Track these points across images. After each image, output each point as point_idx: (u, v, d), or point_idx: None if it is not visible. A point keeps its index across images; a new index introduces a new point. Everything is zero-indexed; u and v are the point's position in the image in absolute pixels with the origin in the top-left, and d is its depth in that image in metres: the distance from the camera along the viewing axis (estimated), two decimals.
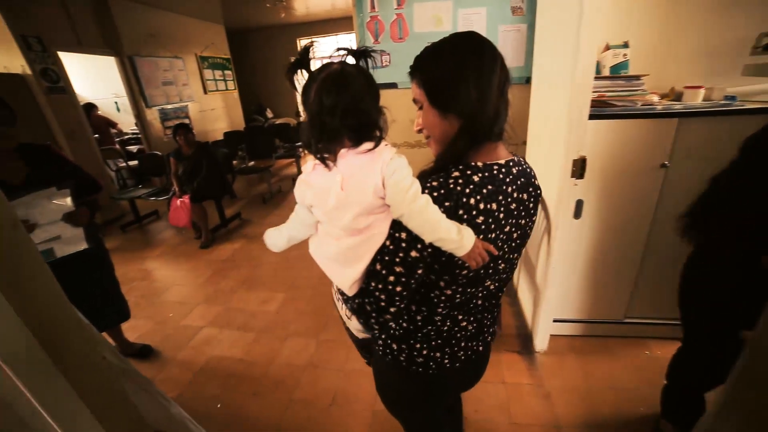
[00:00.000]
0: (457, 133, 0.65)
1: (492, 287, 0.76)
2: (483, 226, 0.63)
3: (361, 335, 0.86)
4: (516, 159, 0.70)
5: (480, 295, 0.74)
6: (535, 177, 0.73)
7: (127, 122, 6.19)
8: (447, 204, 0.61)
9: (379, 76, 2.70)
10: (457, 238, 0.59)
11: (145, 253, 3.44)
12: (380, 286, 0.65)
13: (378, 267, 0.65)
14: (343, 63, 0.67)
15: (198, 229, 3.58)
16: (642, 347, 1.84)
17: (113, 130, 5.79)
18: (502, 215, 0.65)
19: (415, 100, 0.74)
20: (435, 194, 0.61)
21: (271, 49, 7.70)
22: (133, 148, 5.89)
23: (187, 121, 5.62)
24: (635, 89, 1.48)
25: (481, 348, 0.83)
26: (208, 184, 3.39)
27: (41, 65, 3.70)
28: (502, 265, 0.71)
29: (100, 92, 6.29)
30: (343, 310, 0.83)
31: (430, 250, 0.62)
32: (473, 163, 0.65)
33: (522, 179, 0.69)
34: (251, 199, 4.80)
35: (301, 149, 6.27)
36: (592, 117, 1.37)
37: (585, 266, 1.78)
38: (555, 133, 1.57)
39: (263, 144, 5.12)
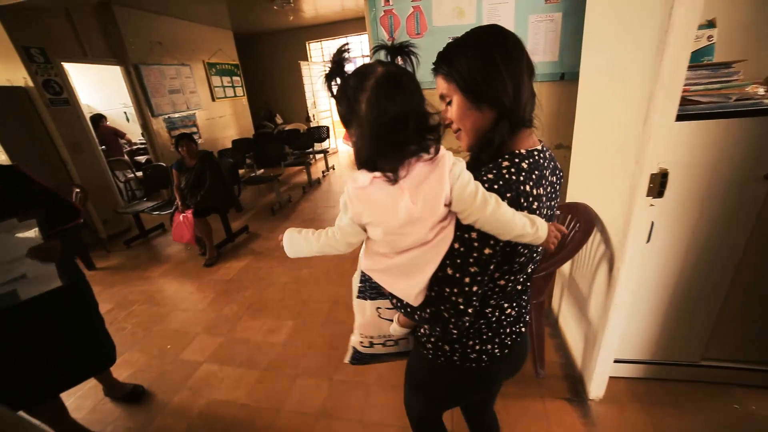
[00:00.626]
0: (495, 122, 0.65)
1: (530, 269, 0.75)
2: (537, 212, 0.64)
3: (402, 347, 0.93)
4: (543, 146, 0.70)
5: (517, 281, 0.74)
6: (556, 164, 0.73)
7: (136, 132, 6.09)
8: (509, 195, 0.60)
9: None
10: (532, 231, 0.60)
11: (148, 271, 3.24)
12: (456, 290, 0.63)
13: (450, 271, 0.63)
14: (385, 64, 0.63)
15: (203, 245, 3.37)
16: (728, 398, 1.50)
17: (122, 141, 5.68)
18: (544, 199, 0.67)
19: (442, 96, 0.73)
20: (495, 187, 0.61)
21: (280, 54, 7.54)
22: (142, 159, 5.78)
23: (194, 129, 5.47)
24: (727, 80, 1.16)
25: (523, 329, 0.83)
26: (211, 197, 3.18)
27: (44, 77, 3.57)
28: (526, 254, 0.69)
29: (110, 103, 6.22)
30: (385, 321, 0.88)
31: (501, 244, 0.62)
32: (517, 151, 0.65)
33: (552, 163, 0.71)
34: (259, 210, 4.58)
35: (311, 156, 6.07)
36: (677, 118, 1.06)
37: (653, 297, 1.45)
38: (619, 139, 1.27)
39: (272, 151, 4.91)
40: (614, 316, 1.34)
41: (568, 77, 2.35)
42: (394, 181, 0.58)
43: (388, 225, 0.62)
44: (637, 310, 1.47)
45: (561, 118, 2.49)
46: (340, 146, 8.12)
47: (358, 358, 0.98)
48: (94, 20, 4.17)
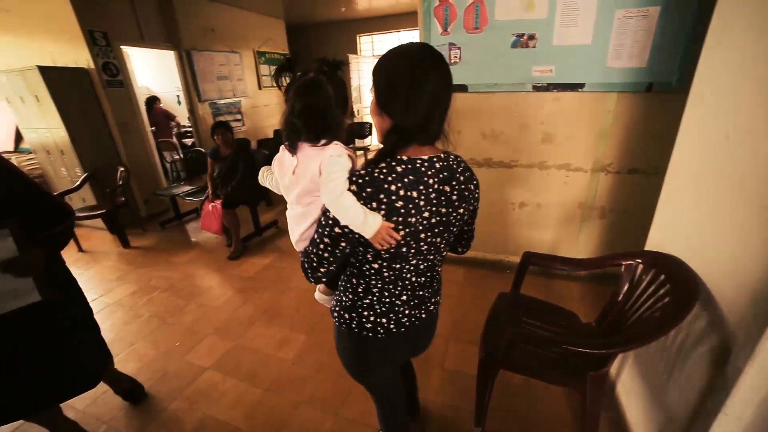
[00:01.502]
0: (388, 130, 0.76)
1: (421, 266, 0.87)
2: (403, 210, 0.74)
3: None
4: (442, 156, 0.80)
5: (409, 270, 0.85)
6: (462, 172, 0.82)
7: (185, 115, 6.29)
8: (369, 189, 0.72)
9: (453, 76, 2.16)
10: (359, 223, 0.72)
11: (175, 256, 3.24)
12: (314, 250, 0.80)
13: (315, 235, 0.81)
14: (318, 73, 0.86)
15: (231, 236, 3.31)
16: None
17: (172, 123, 5.88)
18: (422, 202, 0.76)
19: None
20: (360, 181, 0.73)
21: (329, 46, 7.46)
22: (189, 141, 5.95)
23: (239, 116, 5.52)
24: None
25: (424, 315, 0.95)
26: (242, 189, 3.10)
27: (103, 59, 3.68)
28: (425, 246, 0.82)
29: (166, 85, 6.46)
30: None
31: (347, 229, 0.74)
32: (399, 157, 0.75)
33: (445, 173, 0.79)
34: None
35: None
36: None
37: None
38: (759, 176, 0.91)
39: None
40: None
41: (656, 88, 1.94)
42: (292, 152, 0.87)
43: (282, 180, 0.92)
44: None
45: (640, 137, 2.08)
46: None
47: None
48: (153, 5, 4.27)
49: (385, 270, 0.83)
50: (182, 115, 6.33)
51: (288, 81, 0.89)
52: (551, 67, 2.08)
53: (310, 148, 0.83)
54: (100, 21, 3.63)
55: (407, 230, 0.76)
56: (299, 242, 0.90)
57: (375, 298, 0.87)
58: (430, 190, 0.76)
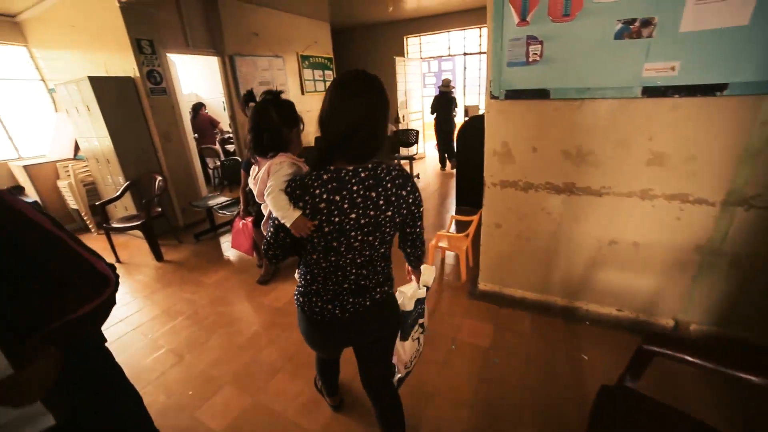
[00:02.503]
0: (320, 147, 0.94)
1: (359, 260, 0.99)
2: (326, 210, 0.90)
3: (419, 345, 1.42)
4: (370, 166, 0.93)
5: (347, 264, 0.99)
6: (392, 180, 0.94)
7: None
8: (297, 192, 0.91)
9: (522, 78, 1.66)
10: (281, 215, 0.92)
11: (205, 275, 3.05)
12: (268, 235, 1.01)
13: (269, 224, 1.00)
14: (268, 98, 1.31)
15: (262, 257, 3.06)
16: None
17: (215, 130, 5.89)
18: (346, 205, 0.91)
19: None
20: (293, 185, 0.93)
21: (375, 48, 7.15)
22: (232, 148, 5.92)
23: None
24: None
25: (368, 303, 1.06)
26: None
27: (148, 67, 3.63)
28: (357, 243, 0.96)
29: (212, 92, 6.53)
30: None
31: (279, 222, 0.94)
32: (329, 167, 0.91)
33: (370, 181, 0.92)
34: None
35: (395, 161, 5.51)
36: None
37: None
38: None
39: None
40: None
41: None
42: (254, 162, 1.40)
43: (251, 185, 1.33)
44: None
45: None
46: (429, 151, 7.36)
47: (402, 380, 1.42)
48: (199, 11, 4.20)
49: (323, 261, 0.98)
50: (226, 122, 6.36)
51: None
52: (674, 63, 1.52)
53: (263, 160, 1.23)
54: (147, 29, 3.58)
55: (332, 227, 0.92)
56: (264, 229, 1.20)
57: (320, 286, 1.02)
58: (355, 195, 0.91)
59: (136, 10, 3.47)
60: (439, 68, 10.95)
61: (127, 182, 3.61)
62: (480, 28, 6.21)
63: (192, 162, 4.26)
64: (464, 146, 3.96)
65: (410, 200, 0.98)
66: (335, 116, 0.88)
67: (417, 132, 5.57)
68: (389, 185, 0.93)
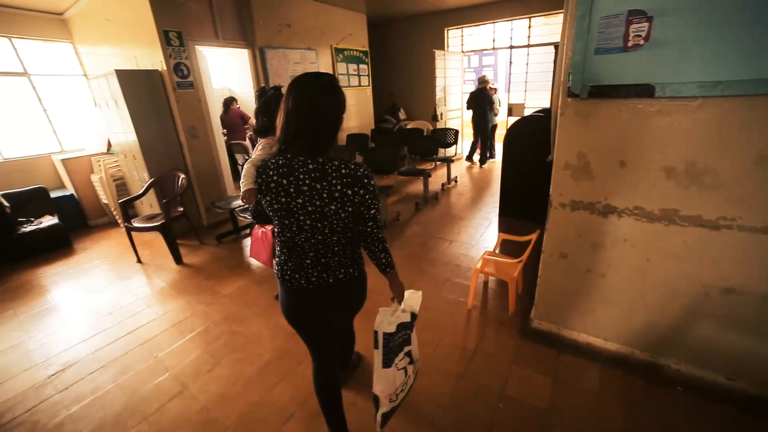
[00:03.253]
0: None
1: (312, 240, 1.08)
2: (274, 190, 1.02)
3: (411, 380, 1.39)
4: (320, 160, 1.00)
5: (303, 241, 1.09)
6: (338, 177, 0.99)
7: None
8: (260, 170, 1.05)
9: (616, 70, 1.22)
10: (241, 183, 1.11)
11: (222, 284, 2.83)
12: None
13: None
14: (275, 92, 1.57)
15: None
16: None
17: (246, 125, 5.74)
18: (292, 189, 1.01)
19: None
20: (259, 163, 1.07)
21: (413, 41, 6.72)
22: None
23: None
24: None
25: (331, 280, 1.14)
26: None
27: (175, 60, 3.47)
28: (307, 227, 1.06)
29: (246, 85, 6.39)
30: None
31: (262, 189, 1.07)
32: (287, 155, 1.02)
33: (317, 174, 0.99)
34: None
35: (433, 164, 5.12)
36: None
37: None
38: None
39: (385, 157, 4.10)
40: None
41: None
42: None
43: None
44: None
45: None
46: (467, 151, 6.79)
47: (388, 416, 1.31)
48: (230, 2, 4.00)
49: (281, 235, 1.12)
50: None
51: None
52: None
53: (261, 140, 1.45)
54: (175, 20, 3.41)
55: (280, 206, 1.04)
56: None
57: (286, 257, 1.14)
58: (301, 183, 1.00)
59: (166, 1, 3.30)
60: (479, 63, 10.34)
61: (151, 179, 3.49)
62: (530, 17, 5.62)
63: (218, 160, 4.09)
64: (511, 150, 3.49)
65: (356, 200, 1.02)
66: (286, 114, 0.98)
67: (456, 132, 5.12)
68: (334, 181, 0.99)
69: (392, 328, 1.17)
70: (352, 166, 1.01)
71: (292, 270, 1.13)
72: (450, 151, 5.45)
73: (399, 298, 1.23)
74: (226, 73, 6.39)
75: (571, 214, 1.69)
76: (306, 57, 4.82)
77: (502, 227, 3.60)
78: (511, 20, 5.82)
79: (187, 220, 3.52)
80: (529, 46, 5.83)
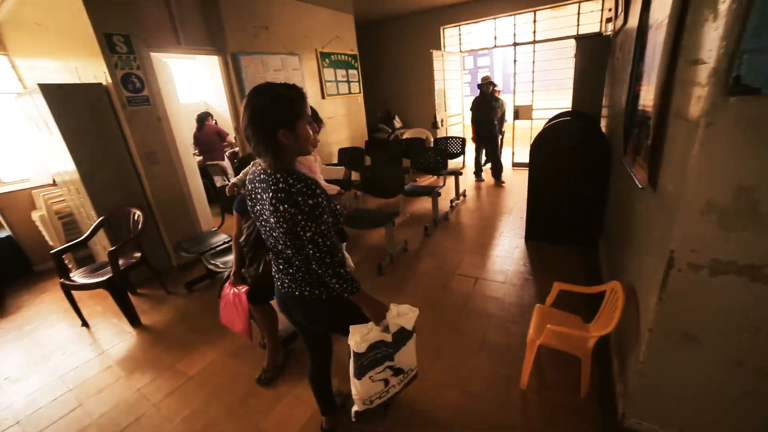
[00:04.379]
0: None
1: (276, 249, 1.12)
2: (248, 193, 1.09)
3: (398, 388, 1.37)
4: (269, 171, 1.00)
5: (270, 246, 1.13)
6: (276, 191, 0.96)
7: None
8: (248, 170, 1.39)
9: None
10: None
11: (186, 357, 2.15)
12: None
13: None
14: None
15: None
16: None
17: (224, 143, 5.07)
18: (254, 195, 1.07)
19: None
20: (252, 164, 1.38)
21: (407, 42, 6.15)
22: None
23: None
24: None
25: (296, 293, 1.15)
26: None
27: (124, 70, 2.80)
28: (267, 234, 1.10)
29: (222, 99, 5.74)
30: None
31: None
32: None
33: (264, 184, 1.01)
34: (359, 264, 3.18)
35: (442, 179, 4.51)
36: None
37: None
38: None
39: (390, 174, 3.43)
40: None
41: None
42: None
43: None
44: None
45: None
46: (470, 160, 6.13)
47: (362, 413, 1.35)
48: (193, 1, 3.36)
49: (265, 235, 1.13)
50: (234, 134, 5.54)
51: None
52: None
53: None
54: (121, 22, 2.74)
55: (250, 207, 1.10)
56: None
57: (270, 257, 1.27)
58: (258, 189, 1.04)
59: None
60: (474, 65, 9.85)
61: (99, 218, 2.79)
62: (534, 11, 5.09)
63: (188, 188, 3.41)
64: (540, 161, 2.89)
65: (288, 216, 0.97)
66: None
67: (463, 140, 4.51)
68: (272, 194, 0.97)
69: (362, 348, 1.14)
70: (290, 180, 0.97)
71: (274, 269, 1.19)
72: (457, 162, 4.84)
73: (374, 319, 1.15)
74: (201, 85, 5.73)
75: (710, 280, 1.07)
76: (288, 63, 4.19)
77: (530, 245, 2.99)
78: (514, 14, 5.29)
79: (147, 266, 2.82)
80: (535, 42, 5.30)
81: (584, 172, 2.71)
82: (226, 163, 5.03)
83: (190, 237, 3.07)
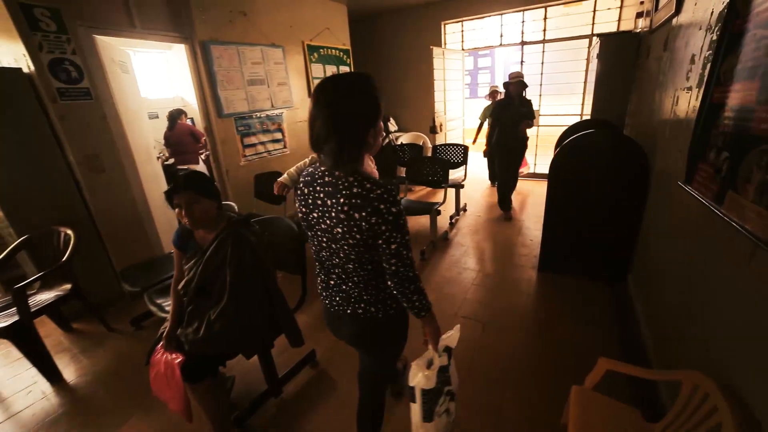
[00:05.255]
0: None
1: (333, 261, 0.99)
2: (300, 198, 0.98)
3: None
4: (336, 174, 0.89)
5: (324, 259, 1.02)
6: (348, 196, 0.86)
7: None
8: (303, 171, 1.03)
9: None
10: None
11: (111, 429, 1.63)
12: None
13: None
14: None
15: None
16: None
17: (199, 143, 4.52)
18: (310, 200, 0.95)
19: None
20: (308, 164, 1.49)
21: (404, 38, 5.66)
22: None
23: (279, 136, 3.94)
24: None
25: (349, 311, 1.03)
26: (225, 336, 1.36)
27: (53, 54, 2.26)
28: (324, 245, 0.98)
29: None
30: None
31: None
32: (316, 163, 0.98)
33: (329, 188, 0.89)
34: None
35: (443, 192, 4.04)
36: None
37: None
38: None
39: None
40: None
41: None
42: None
43: None
44: None
45: None
46: (474, 168, 5.46)
47: None
48: None
49: (315, 250, 1.04)
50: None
51: None
52: None
53: None
54: None
55: (302, 215, 1.00)
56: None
57: (317, 270, 1.09)
58: (316, 195, 0.93)
59: None
60: (474, 65, 9.42)
61: (20, 239, 2.24)
62: (546, 6, 4.64)
63: (143, 199, 2.87)
64: (562, 179, 2.43)
65: (364, 226, 0.86)
66: (309, 122, 0.89)
67: (465, 148, 4.02)
68: (342, 200, 0.87)
69: (431, 384, 1.03)
70: (368, 185, 0.86)
71: (321, 287, 1.10)
72: (458, 173, 4.35)
73: (434, 343, 1.06)
74: (176, 78, 5.16)
75: None
76: (269, 56, 3.67)
77: (543, 274, 2.52)
78: (522, 10, 4.83)
79: (78, 299, 2.28)
80: (545, 41, 4.85)
81: (617, 195, 2.26)
82: (201, 168, 4.49)
83: (141, 262, 2.52)
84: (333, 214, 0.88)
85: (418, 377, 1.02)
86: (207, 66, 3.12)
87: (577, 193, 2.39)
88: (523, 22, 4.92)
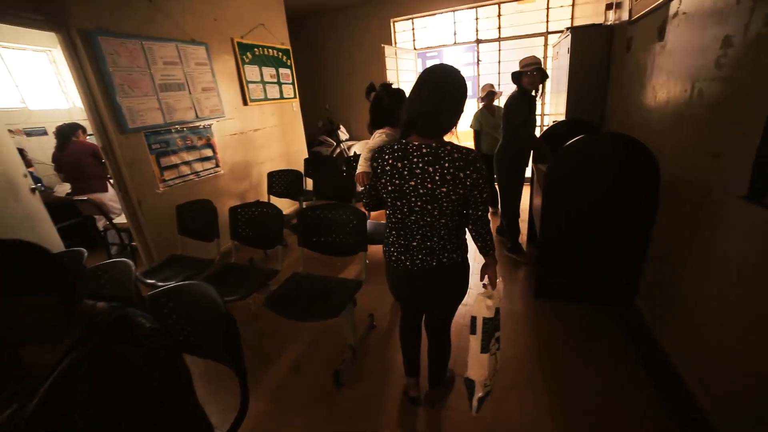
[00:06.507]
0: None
1: (421, 222, 1.16)
2: (389, 172, 1.13)
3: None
4: (433, 145, 1.07)
5: (413, 223, 1.17)
6: (452, 161, 1.05)
7: None
8: (376, 155, 1.17)
9: None
10: (358, 167, 1.63)
11: None
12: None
13: None
14: (381, 91, 1.75)
15: None
16: None
17: (105, 167, 3.59)
18: (406, 172, 1.10)
19: None
20: (374, 151, 1.21)
21: (351, 37, 5.16)
22: None
23: (209, 153, 3.20)
24: None
25: (434, 263, 1.20)
26: None
27: None
28: (417, 208, 1.13)
29: None
30: None
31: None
32: (402, 141, 1.13)
33: (429, 157, 1.07)
34: (299, 374, 2.04)
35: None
36: None
37: None
38: None
39: (341, 215, 2.27)
40: None
41: None
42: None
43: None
44: None
45: None
46: None
47: (482, 400, 1.27)
48: None
49: (392, 217, 1.21)
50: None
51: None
52: None
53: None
54: None
55: (394, 188, 1.13)
56: (357, 180, 1.65)
57: (394, 239, 1.24)
58: (414, 166, 1.09)
59: None
60: (423, 66, 9.04)
61: None
62: (499, 4, 4.41)
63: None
64: (560, 190, 2.06)
65: (468, 183, 1.07)
66: (410, 101, 1.10)
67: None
68: (447, 164, 1.05)
69: (491, 313, 1.18)
70: (463, 150, 1.07)
71: (398, 252, 1.23)
72: None
73: (493, 281, 1.24)
74: (72, 84, 4.15)
75: None
76: (189, 54, 2.94)
77: (541, 304, 2.13)
78: (476, 7, 4.57)
79: None
80: (500, 39, 4.62)
81: (622, 207, 1.93)
82: (110, 196, 3.57)
83: None
84: (437, 178, 1.06)
85: (482, 306, 1.19)
86: (96, 65, 2.33)
87: (578, 206, 2.03)
88: (477, 19, 4.66)
